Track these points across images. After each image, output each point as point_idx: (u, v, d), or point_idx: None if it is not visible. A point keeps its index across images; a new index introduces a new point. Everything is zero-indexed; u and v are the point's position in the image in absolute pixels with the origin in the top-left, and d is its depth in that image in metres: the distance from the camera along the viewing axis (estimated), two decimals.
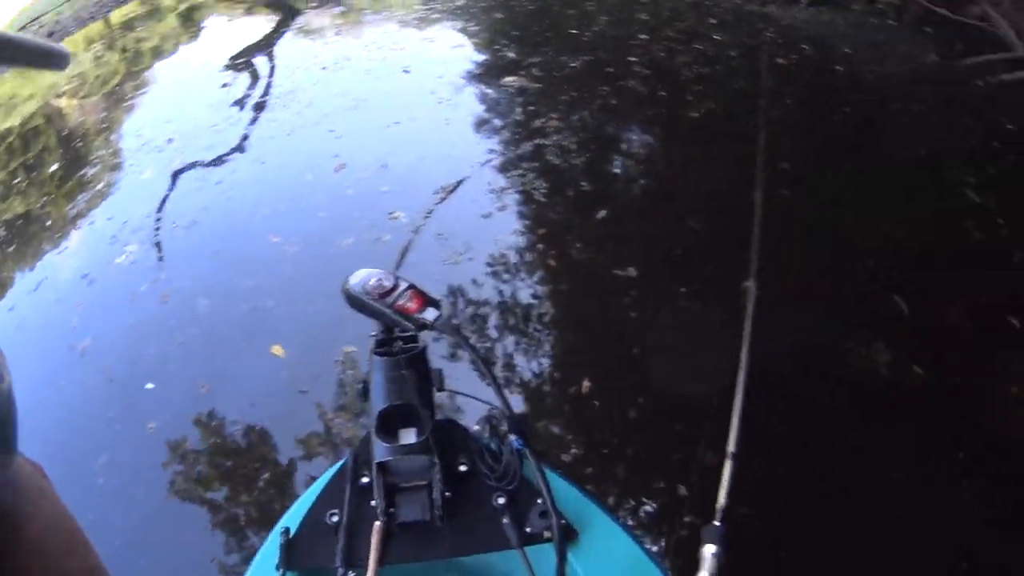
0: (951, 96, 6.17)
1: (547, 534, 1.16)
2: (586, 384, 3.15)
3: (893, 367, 3.45)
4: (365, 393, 1.24)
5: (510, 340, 3.43)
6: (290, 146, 4.89)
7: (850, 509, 2.83)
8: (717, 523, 1.04)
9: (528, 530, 1.18)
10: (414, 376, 1.21)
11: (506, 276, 3.78)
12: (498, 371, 3.19)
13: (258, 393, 3.15)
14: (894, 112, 5.72)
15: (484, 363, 1.30)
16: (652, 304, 3.58)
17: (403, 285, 1.20)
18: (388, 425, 1.20)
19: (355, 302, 1.19)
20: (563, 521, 1.16)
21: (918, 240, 4.28)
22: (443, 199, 4.45)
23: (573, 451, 2.91)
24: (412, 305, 1.18)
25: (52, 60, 0.67)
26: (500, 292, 3.66)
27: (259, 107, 5.59)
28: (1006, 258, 4.22)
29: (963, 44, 7.12)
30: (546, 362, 3.32)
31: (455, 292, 3.63)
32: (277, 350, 3.23)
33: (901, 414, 3.23)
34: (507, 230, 4.02)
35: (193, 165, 4.82)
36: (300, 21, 7.75)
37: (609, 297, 3.65)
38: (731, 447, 1.19)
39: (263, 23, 7.71)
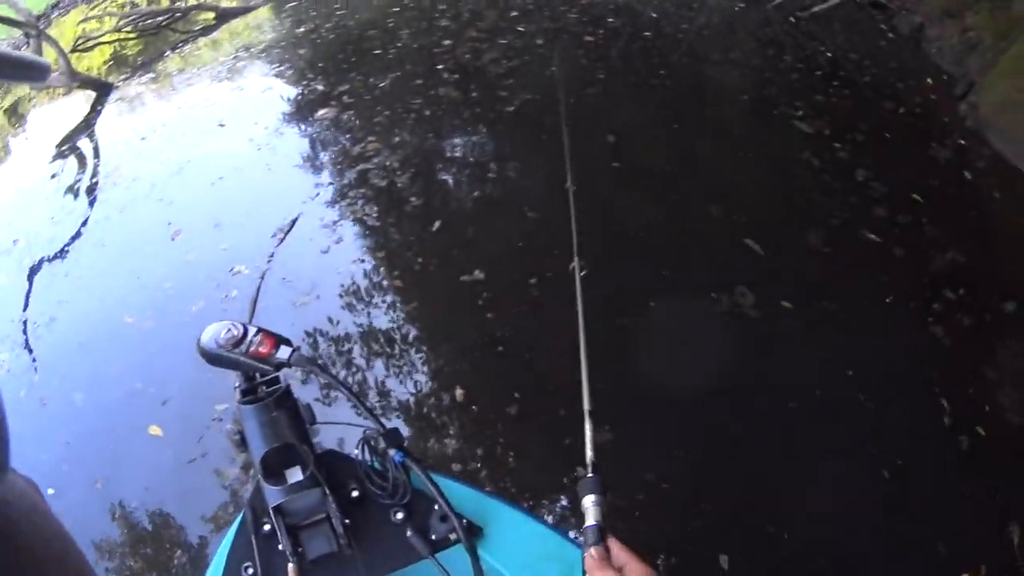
0: (766, 38, 6.89)
1: (453, 536, 1.30)
2: (459, 392, 3.46)
3: (761, 307, 3.84)
4: (243, 443, 1.35)
5: (379, 365, 3.74)
6: (126, 223, 5.30)
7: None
8: (590, 475, 1.16)
9: (434, 537, 1.32)
10: (285, 415, 1.34)
11: (359, 306, 4.09)
12: (374, 397, 3.54)
13: (150, 476, 3.41)
14: (713, 64, 6.35)
15: (346, 387, 1.40)
16: (505, 301, 3.92)
17: (252, 331, 1.32)
18: (273, 468, 1.31)
19: (211, 357, 1.31)
20: (464, 520, 1.31)
21: (760, 181, 4.81)
22: (281, 241, 4.67)
23: (466, 459, 3.21)
24: (265, 348, 1.30)
25: (32, 73, 0.73)
26: (357, 323, 3.98)
27: (90, 190, 6.03)
28: (849, 177, 4.70)
29: None
30: (418, 379, 3.63)
31: (313, 333, 3.94)
32: (155, 430, 3.54)
33: (778, 351, 3.65)
34: (348, 260, 4.37)
35: (42, 261, 5.20)
36: (115, 95, 7.90)
37: (462, 304, 3.96)
38: (586, 405, 1.34)
39: (81, 103, 7.87)
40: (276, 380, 1.39)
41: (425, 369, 3.73)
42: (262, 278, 4.37)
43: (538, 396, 3.47)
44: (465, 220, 4.69)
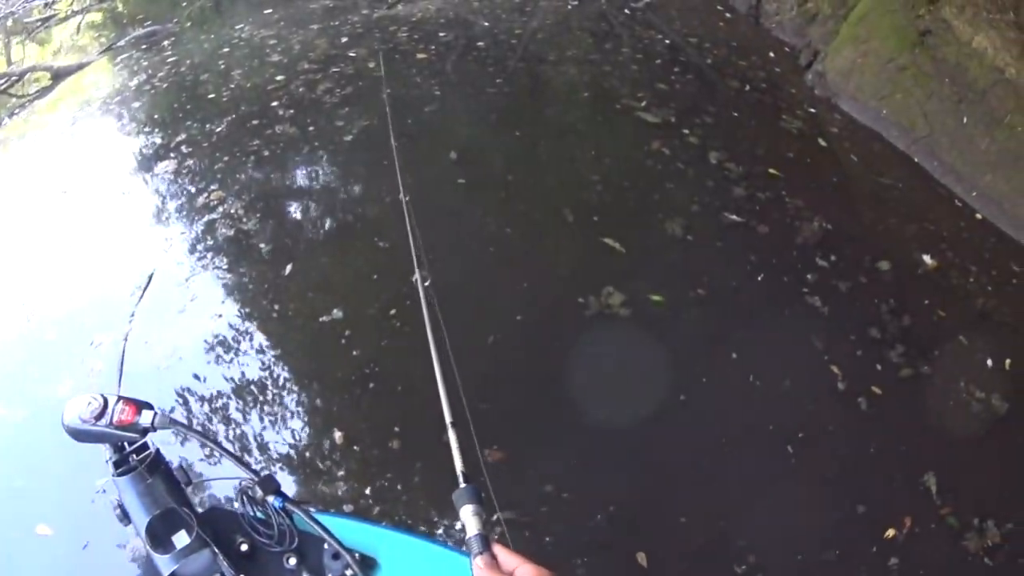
0: (602, 32, 7.00)
1: (348, 572, 1.38)
2: (338, 434, 3.45)
3: (631, 304, 3.82)
4: (126, 516, 1.38)
5: (253, 418, 3.67)
6: None
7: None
8: (463, 485, 1.21)
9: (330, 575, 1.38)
10: (161, 480, 1.39)
11: (223, 361, 4.00)
12: (253, 451, 3.49)
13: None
14: (550, 65, 6.39)
15: (213, 442, 1.47)
16: (368, 336, 3.90)
17: (112, 399, 1.35)
18: (159, 536, 1.33)
19: (77, 434, 1.34)
20: (357, 554, 1.39)
21: (611, 178, 4.79)
22: (140, 299, 4.51)
23: (357, 499, 3.21)
24: (128, 416, 1.35)
25: None
26: (224, 377, 3.88)
27: None
28: (703, 162, 4.77)
29: None
30: (294, 427, 3.59)
31: (182, 393, 3.83)
32: (43, 529, 3.39)
33: (656, 346, 3.64)
34: (206, 316, 4.25)
35: None
36: None
37: (326, 345, 3.93)
38: (448, 418, 1.44)
39: None
40: (145, 446, 1.42)
41: (300, 416, 3.65)
42: (125, 339, 4.22)
43: (418, 425, 3.43)
44: (316, 259, 4.60)
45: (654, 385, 3.43)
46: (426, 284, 2.11)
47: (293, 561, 1.40)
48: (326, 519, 1.45)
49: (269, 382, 3.85)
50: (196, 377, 3.92)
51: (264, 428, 3.62)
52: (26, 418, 4.02)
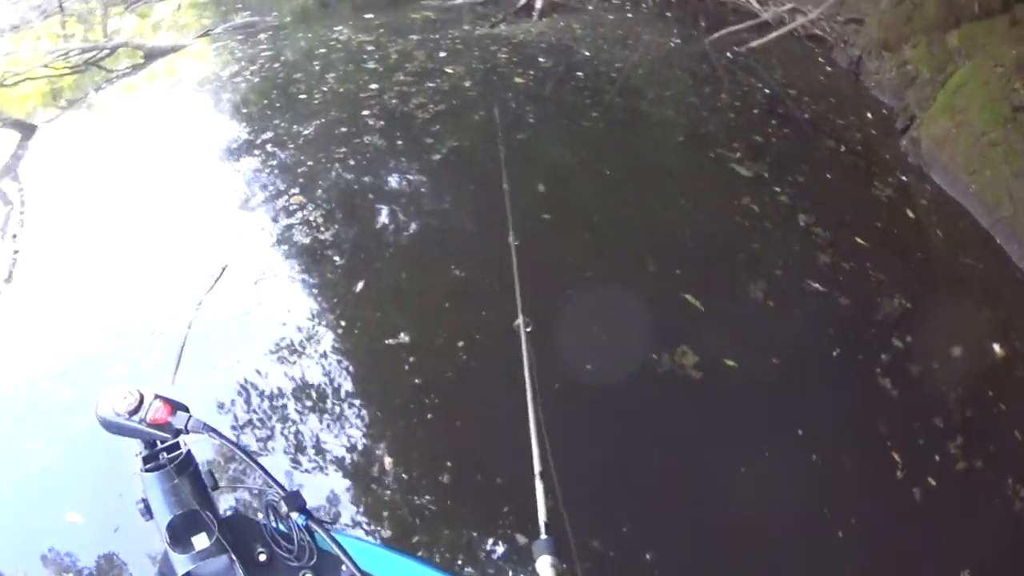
0: (702, 74, 7.02)
1: None
2: (388, 460, 3.46)
3: (703, 367, 3.85)
4: (148, 511, 1.39)
5: (301, 434, 3.69)
6: (48, 280, 5.11)
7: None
8: (544, 536, 1.22)
9: None
10: (188, 482, 1.39)
11: (280, 371, 4.03)
12: (298, 467, 3.51)
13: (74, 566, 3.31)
14: (648, 103, 6.44)
15: (245, 452, 1.45)
16: (433, 365, 3.91)
17: (148, 396, 1.36)
18: (179, 536, 1.36)
19: (108, 426, 1.35)
20: None
21: (698, 230, 4.85)
22: (210, 289, 4.60)
23: (398, 529, 3.23)
24: (162, 415, 1.35)
25: None
26: (278, 389, 3.91)
27: (11, 238, 5.70)
28: (791, 223, 4.78)
29: (707, 20, 8.08)
30: (344, 447, 3.60)
31: (234, 398, 3.89)
32: (73, 516, 3.43)
33: (723, 412, 3.66)
34: (270, 322, 4.27)
35: None
36: (38, 137, 7.62)
37: (388, 369, 3.94)
38: (537, 467, 1.46)
39: (7, 143, 7.59)
40: (177, 446, 1.42)
41: (351, 435, 3.69)
42: (189, 328, 4.31)
43: (472, 464, 3.48)
44: (390, 278, 4.66)
45: (717, 453, 3.46)
46: (528, 330, 2.13)
47: None
48: (348, 541, 1.43)
49: (324, 397, 3.91)
50: (251, 382, 3.99)
51: (313, 442, 3.68)
52: (71, 400, 4.03)
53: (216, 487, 1.45)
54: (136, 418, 1.34)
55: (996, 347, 4.11)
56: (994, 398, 3.86)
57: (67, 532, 3.42)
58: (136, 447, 1.42)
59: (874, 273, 4.49)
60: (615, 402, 3.70)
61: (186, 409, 1.38)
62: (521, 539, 3.13)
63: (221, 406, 3.85)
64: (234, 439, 1.45)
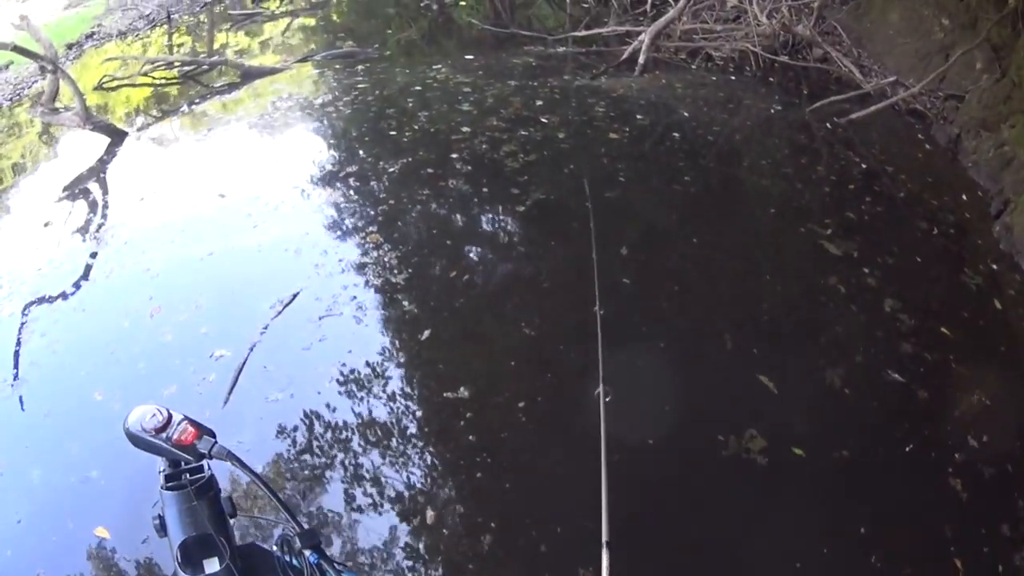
0: (800, 144, 7.02)
1: None
2: (430, 514, 3.51)
3: (770, 453, 3.85)
4: (163, 528, 1.43)
5: (343, 477, 3.81)
6: (109, 291, 5.36)
7: None
8: None
9: None
10: (206, 505, 1.43)
11: (331, 412, 4.13)
12: (335, 508, 3.61)
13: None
14: (742, 170, 6.47)
15: (266, 485, 1.50)
16: (490, 424, 3.97)
17: (177, 418, 1.43)
18: (191, 557, 1.39)
19: (136, 441, 1.43)
20: None
21: (781, 308, 4.88)
22: (278, 314, 4.78)
23: None
24: (188, 437, 1.41)
25: None
26: (326, 430, 4.03)
27: (80, 248, 6.05)
28: (877, 308, 4.77)
29: (808, 89, 8.10)
30: (387, 495, 3.67)
31: (282, 430, 4.02)
32: (102, 532, 3.54)
33: (785, 503, 3.67)
34: (329, 362, 4.38)
35: (21, 316, 5.24)
36: (127, 144, 8.00)
37: (443, 422, 4.00)
38: (605, 536, 1.44)
39: (96, 146, 8.02)
40: (200, 469, 1.48)
41: (396, 485, 3.74)
42: (251, 350, 4.47)
43: (516, 529, 3.53)
44: (457, 331, 4.75)
45: (774, 546, 3.46)
46: (607, 400, 2.22)
47: None
48: None
49: (373, 443, 3.99)
50: (301, 419, 4.12)
51: (355, 486, 3.77)
52: (120, 410, 4.26)
53: (234, 514, 1.49)
54: (162, 437, 1.42)
55: None
56: None
57: (95, 545, 3.55)
58: (160, 464, 1.49)
59: (956, 367, 4.45)
60: (674, 482, 3.73)
61: (213, 435, 1.46)
62: None
63: (265, 438, 3.98)
64: (256, 471, 1.51)
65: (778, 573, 3.36)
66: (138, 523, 3.49)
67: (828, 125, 7.29)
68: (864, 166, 6.61)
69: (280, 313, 4.78)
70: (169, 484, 1.46)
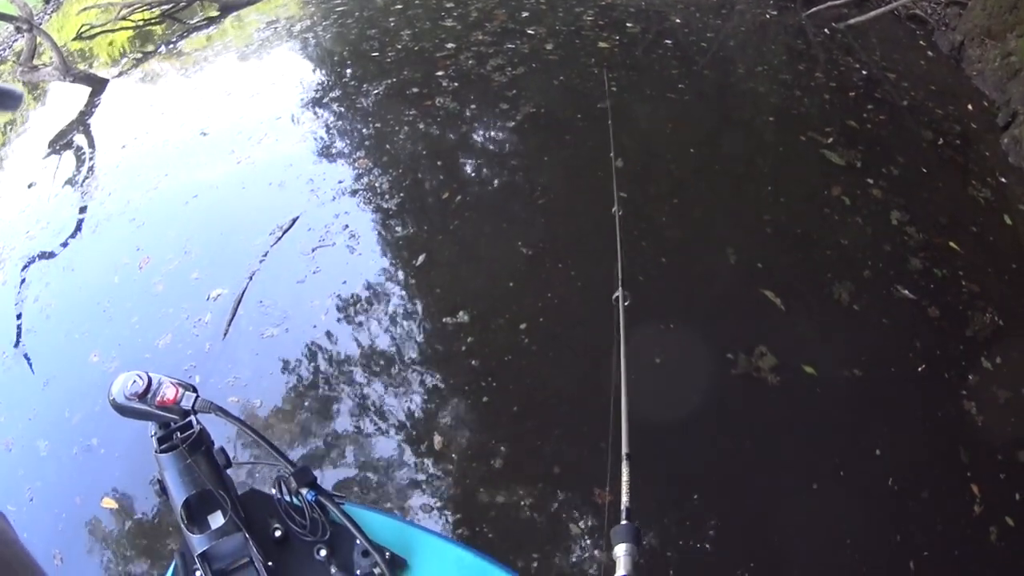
0: (798, 50, 6.73)
1: (377, 571, 1.41)
2: (437, 439, 3.44)
3: (781, 371, 3.68)
4: (164, 492, 1.44)
5: (348, 407, 3.71)
6: (97, 246, 5.28)
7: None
8: (625, 522, 1.21)
9: (358, 572, 1.42)
10: (202, 461, 1.44)
11: (329, 343, 4.02)
12: (342, 441, 3.53)
13: (110, 555, 3.39)
14: (738, 78, 6.18)
15: (252, 430, 1.48)
16: (488, 348, 3.85)
17: (156, 380, 1.41)
18: (195, 515, 1.41)
19: (121, 410, 1.41)
20: (388, 553, 1.43)
21: (784, 221, 4.63)
22: (278, 240, 4.68)
23: (440, 509, 3.24)
24: (170, 396, 1.41)
25: (5, 101, 0.84)
26: (324, 361, 3.95)
27: (65, 204, 6.00)
28: (883, 220, 4.56)
29: None
30: (393, 423, 3.59)
31: (278, 367, 3.92)
32: (108, 502, 3.52)
33: (799, 424, 3.52)
34: (324, 293, 4.27)
35: (11, 283, 5.22)
36: (108, 92, 7.92)
37: (444, 347, 3.90)
38: (624, 448, 1.42)
39: (79, 97, 7.97)
40: (189, 425, 1.46)
41: (400, 413, 3.66)
42: (250, 279, 4.39)
43: (528, 453, 3.42)
44: (453, 254, 4.56)
45: (789, 465, 3.35)
46: (626, 304, 2.12)
47: (324, 553, 1.44)
48: (361, 513, 1.50)
49: (375, 373, 3.85)
50: (301, 353, 3.98)
51: (359, 417, 3.65)
52: (118, 369, 4.15)
53: (229, 465, 1.49)
54: (146, 400, 1.39)
55: None
56: None
57: (104, 517, 3.49)
58: (151, 429, 1.46)
59: (967, 284, 4.24)
60: (685, 403, 3.52)
61: (194, 389, 1.44)
62: (574, 529, 3.11)
63: (262, 374, 3.86)
64: (240, 417, 1.46)
65: (794, 494, 3.24)
66: (142, 490, 3.52)
67: (826, 30, 6.99)
68: (864, 73, 6.32)
69: (279, 240, 4.65)
70: (162, 447, 1.46)
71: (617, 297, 2.09)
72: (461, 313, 4.03)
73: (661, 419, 3.23)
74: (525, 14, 7.24)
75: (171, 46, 8.86)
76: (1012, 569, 3.11)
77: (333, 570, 1.42)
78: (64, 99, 8.16)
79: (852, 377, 3.68)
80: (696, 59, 6.41)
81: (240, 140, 5.89)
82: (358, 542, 1.43)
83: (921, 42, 7.00)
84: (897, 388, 3.70)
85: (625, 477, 1.34)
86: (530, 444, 3.44)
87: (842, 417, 3.55)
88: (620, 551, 1.15)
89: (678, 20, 7.03)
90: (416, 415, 3.63)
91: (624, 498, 1.28)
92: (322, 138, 5.76)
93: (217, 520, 1.41)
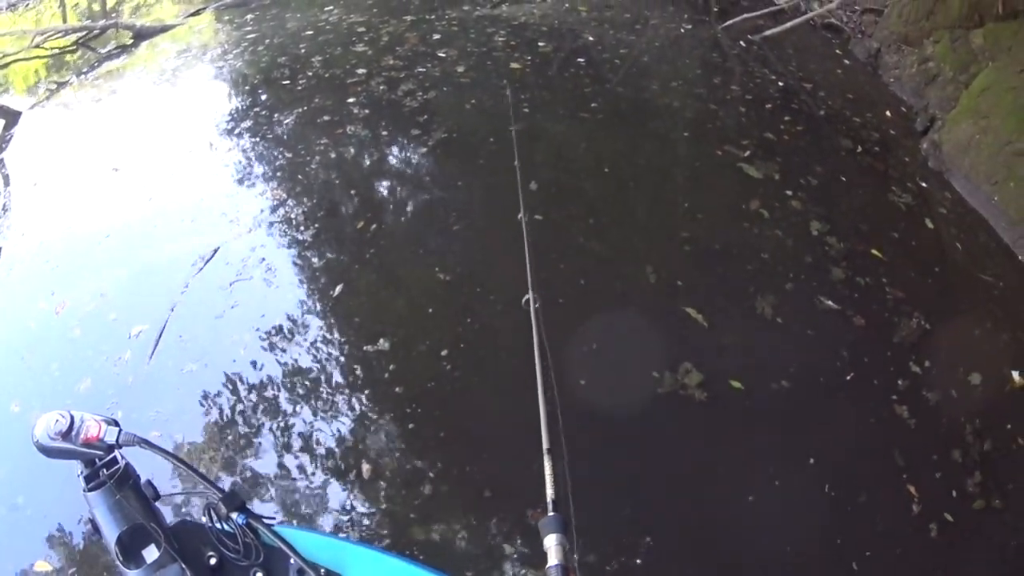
0: (712, 64, 6.88)
1: None
2: (366, 467, 3.46)
3: (708, 387, 3.74)
4: (97, 530, 1.47)
5: (272, 441, 3.70)
6: (11, 290, 5.19)
7: None
8: (552, 513, 1.28)
9: None
10: (131, 495, 1.46)
11: (251, 376, 4.00)
12: (270, 470, 3.54)
13: None
14: (652, 94, 6.28)
15: (177, 459, 1.54)
16: (415, 374, 3.89)
17: (79, 417, 1.43)
18: (129, 550, 1.43)
19: (48, 451, 1.42)
20: (322, 570, 1.49)
21: (703, 237, 4.69)
22: (200, 271, 4.65)
23: (375, 536, 3.24)
24: (94, 432, 1.42)
25: None
26: (247, 394, 3.92)
27: None
28: (803, 232, 4.66)
29: (719, 4, 7.95)
30: (319, 453, 3.60)
31: (199, 402, 3.89)
32: (42, 565, 3.41)
33: (730, 438, 3.59)
34: (243, 327, 4.27)
35: None
36: (21, 124, 7.68)
37: (367, 376, 3.92)
38: (545, 444, 1.51)
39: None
40: (115, 461, 1.48)
41: (326, 444, 3.64)
42: (171, 311, 4.36)
43: (457, 478, 3.45)
44: (370, 282, 4.56)
45: (722, 481, 3.39)
46: (536, 306, 2.18)
47: None
48: (293, 533, 1.56)
49: (297, 407, 3.84)
50: (221, 387, 3.97)
51: (282, 449, 3.64)
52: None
53: (158, 496, 1.53)
54: (71, 439, 1.40)
55: (1016, 375, 4.00)
56: (1012, 431, 3.76)
57: None
58: (78, 468, 1.48)
59: (891, 290, 4.38)
60: (611, 423, 3.58)
61: (116, 424, 1.46)
62: (508, 549, 3.15)
63: (184, 408, 3.83)
64: (164, 448, 1.48)
65: (732, 508, 3.28)
66: (76, 545, 3.45)
67: (741, 43, 7.17)
68: (781, 84, 6.50)
69: (201, 270, 4.64)
70: (90, 485, 1.47)
71: (527, 300, 2.17)
72: (382, 341, 4.04)
73: (588, 441, 3.29)
74: (436, 36, 7.30)
75: (85, 76, 8.72)
76: (955, 562, 3.22)
77: None
78: None
79: (780, 389, 3.76)
80: (609, 76, 6.51)
81: (152, 175, 5.84)
82: (292, 562, 1.49)
83: (837, 51, 7.24)
84: (826, 397, 3.79)
85: (548, 471, 1.40)
86: (459, 469, 3.48)
87: (773, 429, 3.63)
88: (550, 542, 1.21)
89: (591, 38, 7.14)
90: (342, 445, 3.63)
91: (549, 491, 1.35)
92: (234, 171, 5.72)
93: (152, 553, 1.44)
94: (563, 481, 1.46)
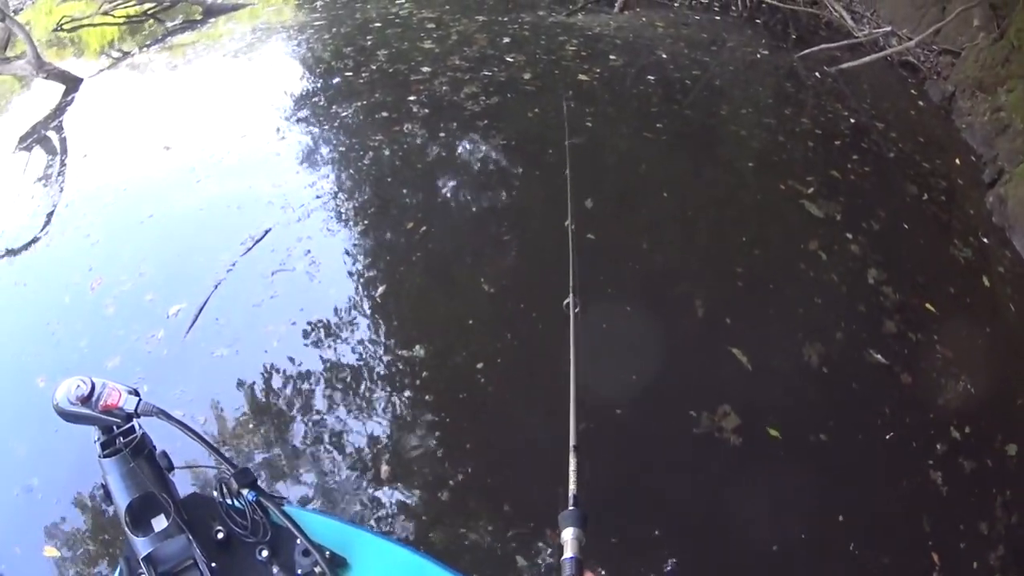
0: (785, 93, 6.84)
1: (317, 570, 1.49)
2: (385, 468, 3.50)
3: (744, 432, 3.74)
4: (108, 497, 1.52)
5: (302, 432, 3.77)
6: (49, 261, 5.35)
7: None
8: (572, 507, 1.32)
9: (299, 572, 1.50)
10: (144, 464, 1.51)
11: (281, 368, 4.06)
12: (299, 461, 3.58)
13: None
14: (721, 120, 6.28)
15: (194, 432, 1.56)
16: (443, 385, 3.93)
17: (99, 384, 1.48)
18: (138, 518, 1.48)
19: (65, 415, 1.47)
20: (328, 552, 1.51)
21: (756, 275, 4.68)
22: (248, 250, 4.75)
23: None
24: (113, 400, 1.46)
25: None
26: (275, 386, 3.98)
27: (20, 215, 6.00)
28: (860, 279, 4.65)
29: (797, 32, 7.91)
30: (343, 451, 3.64)
31: (224, 388, 3.96)
32: (51, 551, 3.47)
33: (760, 486, 3.54)
34: (280, 319, 4.31)
35: None
36: (81, 92, 7.93)
37: (399, 381, 3.96)
38: (572, 440, 1.52)
39: (53, 94, 7.97)
40: (132, 429, 1.54)
41: (349, 443, 3.70)
42: (215, 287, 4.46)
43: (478, 490, 3.47)
44: (413, 287, 4.63)
45: (749, 530, 3.37)
46: (576, 311, 2.17)
47: (265, 553, 1.53)
48: (302, 515, 1.60)
49: (322, 402, 3.90)
50: (250, 375, 4.03)
51: (304, 446, 3.70)
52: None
53: (171, 468, 1.57)
54: (90, 404, 1.45)
55: None
56: None
57: (48, 567, 3.43)
58: (94, 434, 1.54)
59: (942, 348, 4.34)
60: (644, 460, 3.62)
61: (137, 393, 1.50)
62: (520, 560, 3.17)
63: (207, 392, 3.91)
64: (182, 420, 1.53)
65: (756, 557, 3.29)
66: (86, 534, 3.50)
67: (817, 74, 7.14)
68: (852, 120, 6.47)
69: (250, 250, 4.74)
70: (105, 451, 1.52)
71: (568, 303, 2.18)
72: (418, 347, 4.09)
73: (614, 478, 3.33)
74: (506, 40, 7.34)
75: (148, 48, 8.94)
76: None
77: (275, 570, 1.52)
78: (35, 96, 8.18)
79: (818, 442, 3.75)
80: (679, 97, 6.53)
81: (202, 157, 5.93)
82: (298, 542, 1.52)
83: (912, 91, 7.18)
84: (863, 456, 3.77)
85: (572, 467, 1.43)
86: (481, 481, 3.52)
87: (806, 482, 3.59)
88: (567, 535, 1.26)
89: (664, 55, 7.15)
90: (363, 444, 3.68)
91: (572, 486, 1.38)
92: (287, 160, 5.80)
93: (160, 523, 1.48)
94: (585, 479, 1.49)
